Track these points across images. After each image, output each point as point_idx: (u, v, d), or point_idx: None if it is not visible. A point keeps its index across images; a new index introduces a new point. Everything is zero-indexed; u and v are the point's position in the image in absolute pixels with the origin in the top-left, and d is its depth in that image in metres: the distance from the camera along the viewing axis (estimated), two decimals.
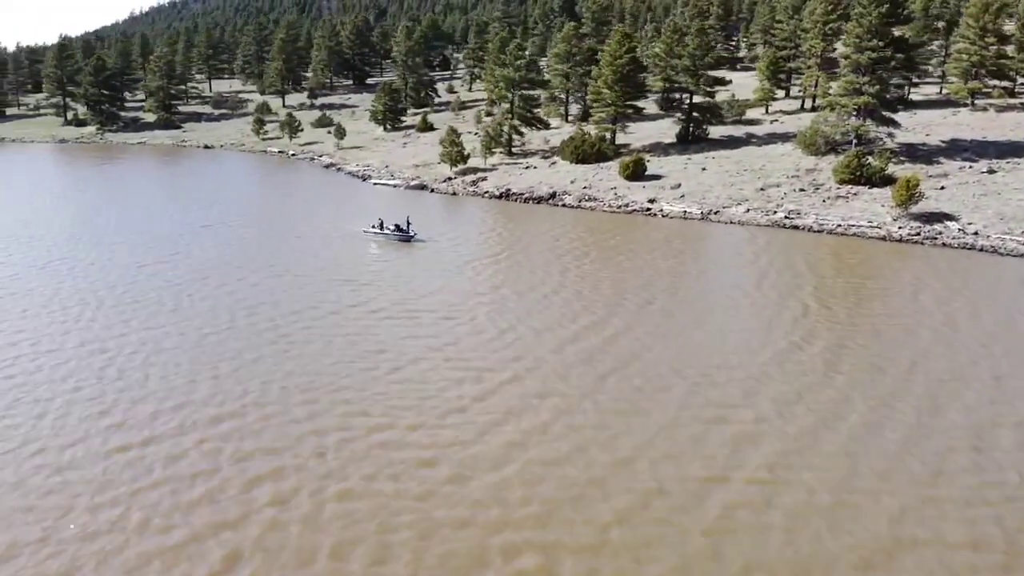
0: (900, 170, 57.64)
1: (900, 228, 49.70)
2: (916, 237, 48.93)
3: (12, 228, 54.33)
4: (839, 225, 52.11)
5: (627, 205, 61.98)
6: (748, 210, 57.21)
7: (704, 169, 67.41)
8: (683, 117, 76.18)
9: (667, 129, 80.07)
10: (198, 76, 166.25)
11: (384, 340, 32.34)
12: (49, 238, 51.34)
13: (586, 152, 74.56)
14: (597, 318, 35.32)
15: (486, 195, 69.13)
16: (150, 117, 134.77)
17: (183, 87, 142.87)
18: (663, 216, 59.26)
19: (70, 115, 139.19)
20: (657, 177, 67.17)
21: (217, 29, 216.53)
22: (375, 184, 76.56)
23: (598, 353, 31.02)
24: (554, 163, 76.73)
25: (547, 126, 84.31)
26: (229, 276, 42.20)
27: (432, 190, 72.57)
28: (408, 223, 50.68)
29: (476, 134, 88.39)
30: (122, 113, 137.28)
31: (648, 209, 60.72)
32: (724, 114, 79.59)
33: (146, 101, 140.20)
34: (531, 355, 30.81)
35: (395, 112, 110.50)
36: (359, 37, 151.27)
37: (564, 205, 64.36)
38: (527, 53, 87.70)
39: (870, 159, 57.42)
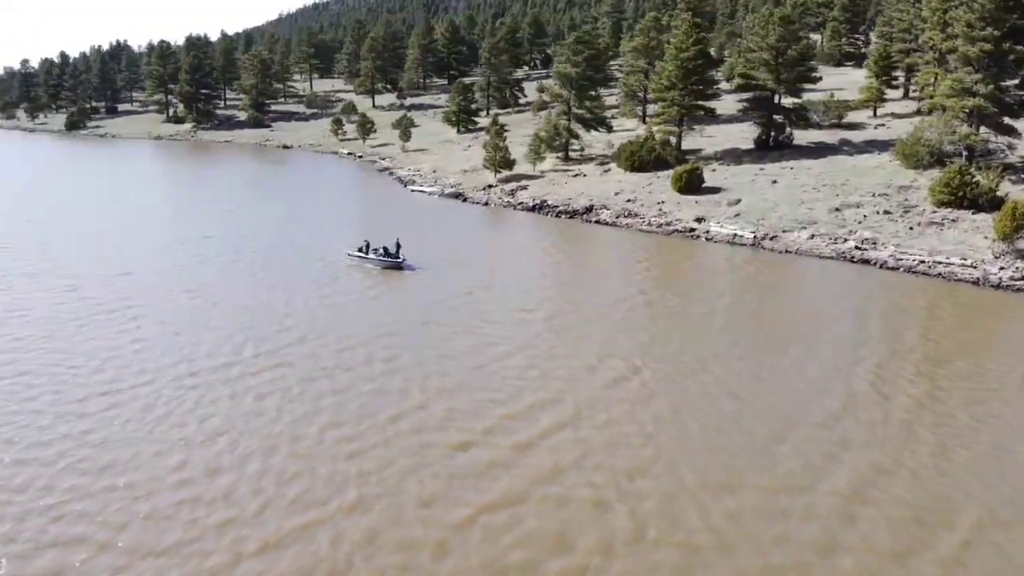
0: (1018, 191, 44.83)
1: (1002, 269, 37.53)
2: (1021, 282, 36.68)
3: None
4: (922, 262, 40.36)
5: (669, 224, 52.18)
6: (812, 236, 46.16)
7: (775, 182, 56.33)
8: (762, 120, 64.93)
9: (749, 133, 68.85)
10: (297, 76, 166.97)
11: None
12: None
13: (643, 159, 64.95)
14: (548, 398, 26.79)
15: (519, 207, 61.06)
16: (244, 115, 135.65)
17: (278, 86, 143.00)
18: (707, 239, 49.15)
19: (171, 112, 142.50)
20: (715, 190, 56.77)
21: (341, 29, 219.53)
22: (413, 191, 70.21)
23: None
24: (608, 171, 67.58)
25: (609, 128, 74.97)
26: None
27: (465, 199, 65.29)
28: (398, 246, 42.49)
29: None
30: (218, 111, 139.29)
31: (692, 230, 50.71)
32: (817, 117, 67.57)
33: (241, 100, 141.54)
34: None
35: (468, 113, 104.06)
36: (454, 36, 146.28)
37: (598, 221, 55.30)
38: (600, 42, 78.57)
39: (977, 176, 44.92)
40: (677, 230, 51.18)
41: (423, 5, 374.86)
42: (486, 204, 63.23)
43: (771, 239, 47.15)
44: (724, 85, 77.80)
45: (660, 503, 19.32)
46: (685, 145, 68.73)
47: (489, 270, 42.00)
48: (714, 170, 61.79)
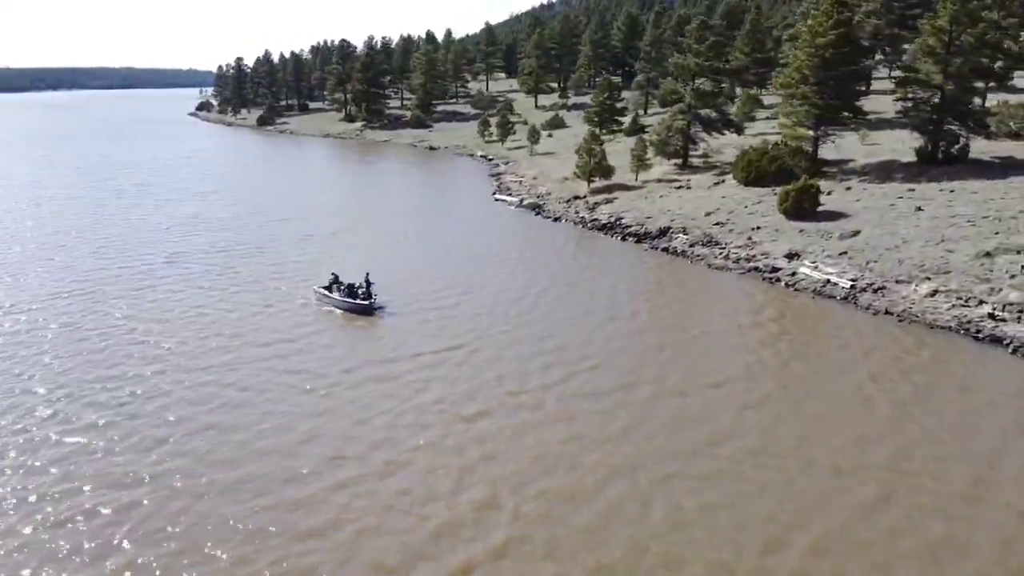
0: None
1: None
2: None
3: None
4: None
5: (749, 260, 39.44)
6: (933, 292, 31.68)
7: (919, 209, 41.15)
8: (927, 126, 48.86)
9: (915, 143, 52.71)
10: (483, 76, 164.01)
11: None
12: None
13: (763, 170, 51.67)
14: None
15: (590, 224, 50.57)
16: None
17: (446, 85, 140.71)
18: (789, 285, 36.00)
19: (348, 111, 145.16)
20: (833, 216, 42.74)
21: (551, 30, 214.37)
22: (496, 199, 61.92)
23: None
24: (720, 183, 54.83)
25: (740, 131, 61.56)
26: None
27: (538, 212, 55.75)
28: (368, 283, 33.06)
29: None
30: (390, 111, 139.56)
31: (775, 270, 37.68)
32: (998, 124, 50.02)
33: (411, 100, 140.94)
34: None
35: (612, 112, 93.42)
36: (632, 30, 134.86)
37: (667, 250, 43.57)
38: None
39: None
40: (756, 268, 38.38)
41: (641, 3, 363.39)
42: (557, 219, 53.33)
43: (874, 291, 33.21)
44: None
45: None
46: (827, 154, 54.15)
47: (470, 329, 30.60)
48: (848, 188, 47.30)
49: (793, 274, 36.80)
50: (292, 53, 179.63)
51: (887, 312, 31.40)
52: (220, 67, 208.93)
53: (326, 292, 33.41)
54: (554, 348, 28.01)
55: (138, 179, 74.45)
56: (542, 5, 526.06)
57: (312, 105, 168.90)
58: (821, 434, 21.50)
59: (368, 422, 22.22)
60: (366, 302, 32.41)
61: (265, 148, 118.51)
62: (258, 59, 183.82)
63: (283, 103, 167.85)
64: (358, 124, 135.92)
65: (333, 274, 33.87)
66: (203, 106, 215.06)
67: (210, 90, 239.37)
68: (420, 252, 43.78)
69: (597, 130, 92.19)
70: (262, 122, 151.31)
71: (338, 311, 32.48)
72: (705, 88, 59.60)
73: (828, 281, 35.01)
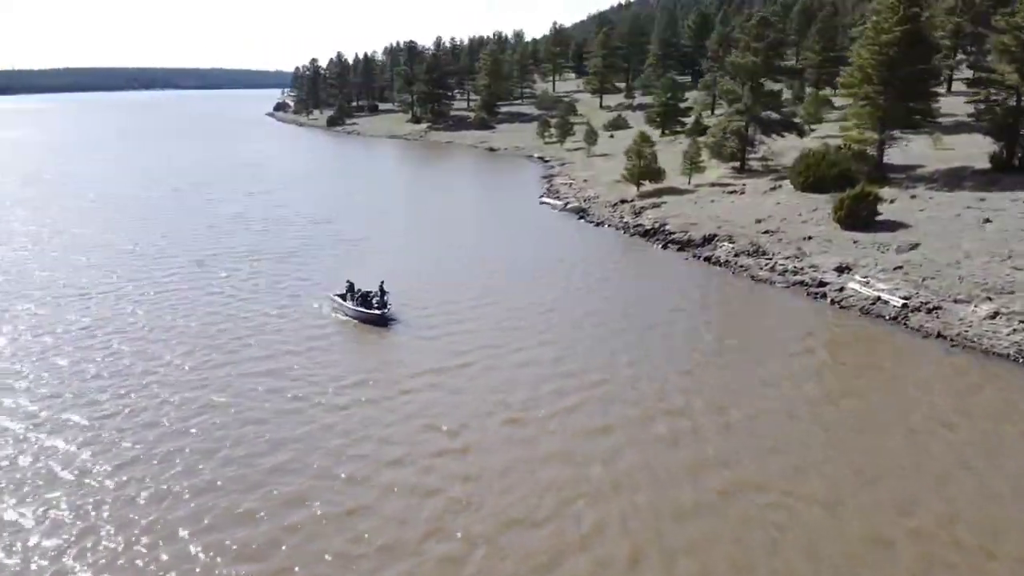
0: None
1: None
2: None
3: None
4: None
5: (796, 273, 36.79)
6: (995, 314, 28.57)
7: (987, 221, 37.71)
8: (1002, 131, 44.90)
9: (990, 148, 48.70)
10: (552, 77, 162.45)
11: None
12: None
13: (822, 175, 48.57)
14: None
15: (633, 230, 48.52)
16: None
17: (510, 86, 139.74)
18: (835, 302, 33.26)
19: (414, 112, 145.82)
20: (893, 226, 39.65)
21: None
22: (542, 202, 60.37)
23: None
24: (777, 188, 51.91)
25: (801, 133, 58.24)
26: None
27: (581, 216, 53.91)
28: (382, 291, 31.66)
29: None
30: (454, 112, 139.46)
31: (821, 284, 34.97)
32: None
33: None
34: None
35: (676, 113, 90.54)
36: (703, 28, 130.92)
37: (709, 259, 41.19)
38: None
39: None
40: (802, 282, 35.71)
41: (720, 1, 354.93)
42: (599, 224, 51.44)
43: (927, 311, 30.26)
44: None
45: None
46: (894, 159, 50.60)
47: (482, 344, 28.68)
48: (913, 197, 43.94)
49: (841, 289, 34.04)
50: (364, 55, 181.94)
51: (939, 335, 28.49)
52: (297, 68, 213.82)
53: (341, 300, 32.29)
54: (568, 372, 25.82)
55: (195, 178, 75.95)
56: (620, 5, 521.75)
57: (382, 106, 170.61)
58: (859, 489, 18.69)
59: (340, 455, 20.42)
60: (379, 312, 31.02)
61: (328, 149, 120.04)
62: (331, 60, 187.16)
63: (354, 104, 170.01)
64: (423, 125, 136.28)
65: (348, 281, 32.62)
66: (279, 106, 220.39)
67: (290, 91, 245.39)
68: (449, 258, 42.63)
69: (660, 131, 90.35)
70: (331, 123, 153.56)
71: (352, 320, 31.57)
72: (764, 88, 56.53)
73: (878, 299, 32.16)
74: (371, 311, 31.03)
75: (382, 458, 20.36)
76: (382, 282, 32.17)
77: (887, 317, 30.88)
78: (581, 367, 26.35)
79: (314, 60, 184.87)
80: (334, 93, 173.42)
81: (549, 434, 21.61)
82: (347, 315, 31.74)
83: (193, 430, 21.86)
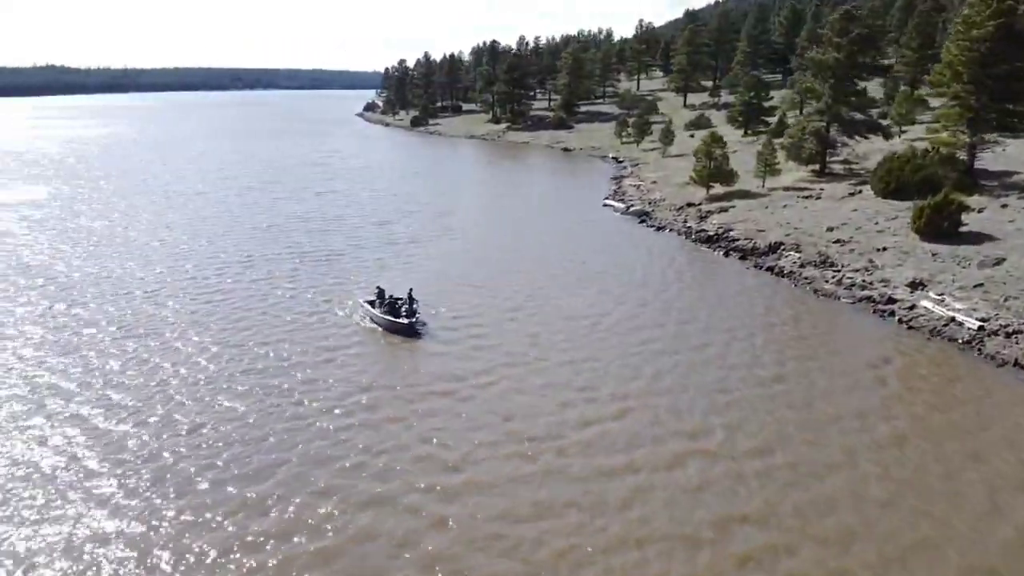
0: None
1: None
2: None
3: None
4: None
5: (864, 287, 33.72)
6: None
7: None
8: None
9: None
10: (640, 75, 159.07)
11: None
12: None
13: (905, 180, 44.85)
14: None
15: (695, 236, 45.96)
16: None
17: (591, 85, 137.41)
18: (903, 321, 30.14)
19: (494, 112, 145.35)
20: (979, 238, 35.90)
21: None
22: (604, 205, 58.31)
23: None
24: (856, 193, 48.29)
25: (887, 135, 54.08)
26: None
27: (643, 220, 51.61)
28: (411, 299, 30.46)
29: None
30: (534, 112, 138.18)
31: (891, 301, 31.87)
32: None
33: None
34: None
35: (760, 112, 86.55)
36: (796, 23, 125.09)
37: (772, 269, 38.42)
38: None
39: None
40: (869, 298, 32.65)
41: None
42: (660, 229, 49.06)
43: (1006, 335, 26.92)
44: None
45: None
46: (987, 164, 46.25)
47: (510, 360, 26.84)
48: (1005, 206, 39.92)
49: (911, 307, 30.87)
50: (450, 55, 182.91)
51: (1016, 364, 25.23)
52: (387, 69, 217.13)
53: (370, 307, 31.14)
54: (595, 398, 23.66)
55: (269, 176, 77.21)
56: (716, 2, 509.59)
57: (465, 107, 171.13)
58: (929, 567, 15.91)
59: (321, 483, 18.94)
60: (406, 322, 29.52)
61: (408, 148, 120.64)
62: (418, 61, 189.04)
63: (439, 104, 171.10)
64: (502, 126, 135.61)
65: (379, 288, 31.52)
66: (369, 107, 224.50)
67: (381, 91, 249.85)
68: (497, 261, 41.25)
69: (743, 131, 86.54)
70: (415, 123, 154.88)
71: (379, 328, 30.52)
72: (847, 86, 52.74)
73: (953, 319, 28.95)
74: (398, 320, 29.65)
75: (360, 497, 18.50)
76: (411, 289, 31.03)
77: (960, 340, 27.66)
78: (611, 392, 24.19)
79: (402, 61, 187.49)
80: (419, 93, 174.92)
81: (559, 474, 19.43)
82: (375, 323, 30.80)
83: (182, 449, 21.29)
